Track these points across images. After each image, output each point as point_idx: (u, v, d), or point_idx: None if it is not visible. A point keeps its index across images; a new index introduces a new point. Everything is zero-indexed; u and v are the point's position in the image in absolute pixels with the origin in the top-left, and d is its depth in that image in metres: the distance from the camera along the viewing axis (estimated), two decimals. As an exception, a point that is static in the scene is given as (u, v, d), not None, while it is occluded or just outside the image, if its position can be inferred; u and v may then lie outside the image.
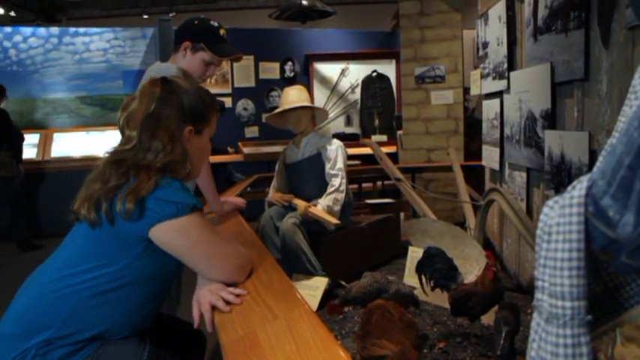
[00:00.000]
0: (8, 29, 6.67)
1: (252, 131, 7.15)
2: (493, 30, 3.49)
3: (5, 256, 5.19)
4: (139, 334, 1.43)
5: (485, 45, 3.71)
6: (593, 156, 2.15)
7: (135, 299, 1.38)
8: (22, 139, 5.54)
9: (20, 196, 5.39)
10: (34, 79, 6.54)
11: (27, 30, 6.72)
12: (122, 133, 1.44)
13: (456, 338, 2.55)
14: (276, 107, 4.23)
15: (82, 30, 6.87)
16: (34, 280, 1.41)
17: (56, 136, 6.40)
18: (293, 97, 3.41)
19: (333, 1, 7.29)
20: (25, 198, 5.53)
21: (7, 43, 6.52)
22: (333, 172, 3.34)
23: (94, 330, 1.33)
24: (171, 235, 1.32)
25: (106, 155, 1.42)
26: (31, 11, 10.12)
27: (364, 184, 5.20)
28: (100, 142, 6.36)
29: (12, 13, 9.70)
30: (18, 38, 6.57)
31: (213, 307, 1.35)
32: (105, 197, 1.30)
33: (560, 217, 0.78)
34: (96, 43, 6.82)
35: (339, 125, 7.39)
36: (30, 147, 5.94)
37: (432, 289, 2.59)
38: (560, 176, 2.43)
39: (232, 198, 2.73)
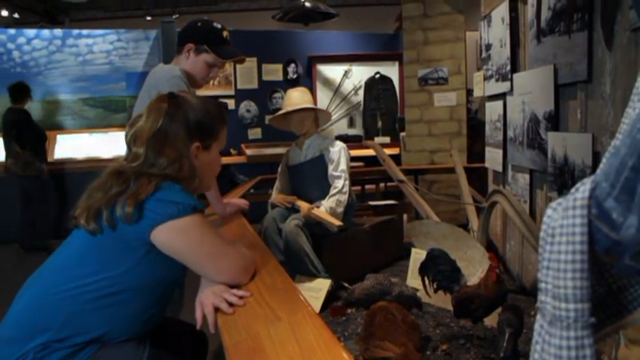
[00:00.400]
0: (12, 31, 6.69)
1: (255, 133, 7.16)
2: (496, 32, 3.48)
3: (8, 256, 5.21)
4: (139, 337, 1.43)
5: (488, 47, 3.71)
6: (596, 158, 2.14)
7: (135, 305, 1.37)
8: (45, 139, 5.64)
9: (47, 196, 5.45)
10: (37, 81, 6.55)
11: (30, 32, 6.74)
12: (129, 149, 1.45)
13: (458, 340, 2.54)
14: (279, 109, 4.24)
15: (85, 32, 6.89)
16: (32, 282, 1.41)
17: (59, 137, 6.42)
18: (296, 98, 3.41)
19: (336, 2, 7.30)
20: (52, 197, 5.60)
21: (10, 45, 6.55)
22: (336, 173, 3.34)
23: (93, 333, 1.32)
24: (173, 235, 1.32)
25: (110, 167, 1.42)
26: (34, 13, 10.15)
27: (367, 186, 5.21)
28: (103, 144, 6.39)
29: (16, 15, 9.73)
30: (22, 40, 6.59)
31: (216, 309, 1.35)
32: (106, 205, 1.31)
33: (564, 219, 0.78)
34: (99, 45, 6.84)
35: (342, 127, 7.39)
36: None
37: (435, 290, 2.59)
38: (563, 178, 2.42)
39: (235, 200, 2.73)
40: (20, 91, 5.41)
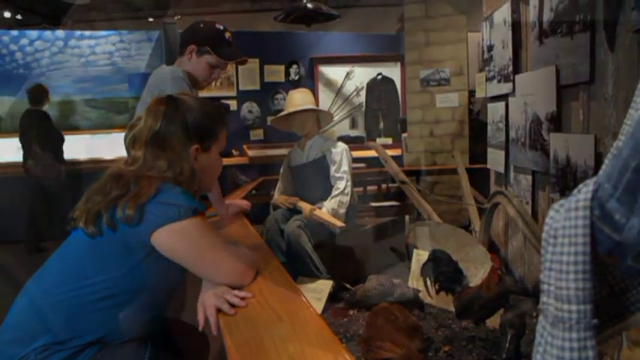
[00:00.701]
0: (15, 32, 6.70)
1: (257, 134, 7.15)
2: (498, 33, 3.48)
3: (10, 257, 5.21)
4: (140, 338, 1.42)
5: (490, 48, 3.70)
6: (598, 159, 2.14)
7: (135, 307, 1.36)
8: (63, 141, 5.66)
9: (66, 197, 5.46)
10: (40, 82, 6.57)
11: (33, 33, 6.76)
12: (128, 153, 1.45)
13: (461, 341, 2.54)
14: (281, 110, 4.23)
15: (87, 33, 6.90)
16: (31, 284, 1.41)
17: (62, 138, 6.43)
18: (298, 100, 3.41)
19: (338, 4, 7.30)
20: (70, 198, 5.60)
21: (13, 47, 6.56)
22: (338, 174, 3.35)
23: (93, 335, 1.32)
24: (174, 239, 1.31)
25: (109, 170, 1.42)
26: (37, 14, 10.16)
27: (369, 187, 5.20)
28: (105, 145, 6.40)
29: (18, 17, 9.74)
30: (24, 41, 6.61)
31: (219, 310, 1.35)
32: (105, 208, 1.30)
33: (566, 220, 0.78)
34: (101, 46, 6.85)
35: (343, 128, 7.38)
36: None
37: (437, 292, 2.58)
38: (565, 179, 2.42)
39: (237, 201, 2.74)
40: (39, 93, 5.48)
